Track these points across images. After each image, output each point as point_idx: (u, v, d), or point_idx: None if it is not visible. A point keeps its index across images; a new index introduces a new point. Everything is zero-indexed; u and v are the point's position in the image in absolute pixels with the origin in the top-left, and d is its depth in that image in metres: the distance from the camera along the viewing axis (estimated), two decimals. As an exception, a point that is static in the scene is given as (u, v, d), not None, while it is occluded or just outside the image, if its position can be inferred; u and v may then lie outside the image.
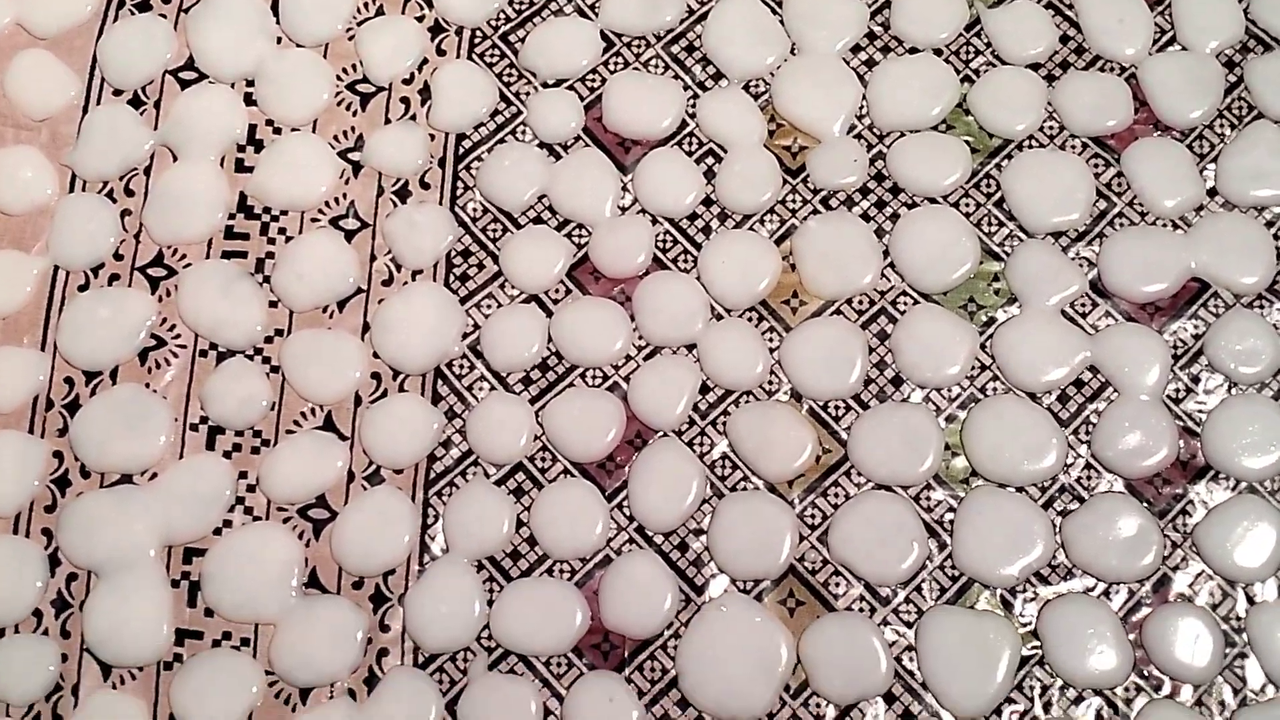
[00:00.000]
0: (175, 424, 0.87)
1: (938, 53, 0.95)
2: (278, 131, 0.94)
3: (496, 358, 0.88)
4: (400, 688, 0.81)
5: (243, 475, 0.86)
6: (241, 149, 0.94)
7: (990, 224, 0.90)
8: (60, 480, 0.86)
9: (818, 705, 0.80)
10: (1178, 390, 0.85)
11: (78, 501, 0.85)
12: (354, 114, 0.94)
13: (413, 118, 0.94)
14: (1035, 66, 0.94)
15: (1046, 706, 0.79)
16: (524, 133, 0.94)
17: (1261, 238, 0.88)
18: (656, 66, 0.95)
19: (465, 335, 0.89)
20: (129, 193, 0.92)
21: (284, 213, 0.92)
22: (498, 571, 0.83)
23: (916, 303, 0.88)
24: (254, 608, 0.83)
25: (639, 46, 0.96)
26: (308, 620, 0.82)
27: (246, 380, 0.87)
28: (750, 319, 0.88)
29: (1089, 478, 0.83)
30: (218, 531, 0.84)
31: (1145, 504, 0.83)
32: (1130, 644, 0.79)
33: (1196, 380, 0.85)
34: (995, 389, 0.86)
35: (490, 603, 0.82)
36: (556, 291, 0.89)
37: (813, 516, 0.84)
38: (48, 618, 0.83)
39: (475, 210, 0.92)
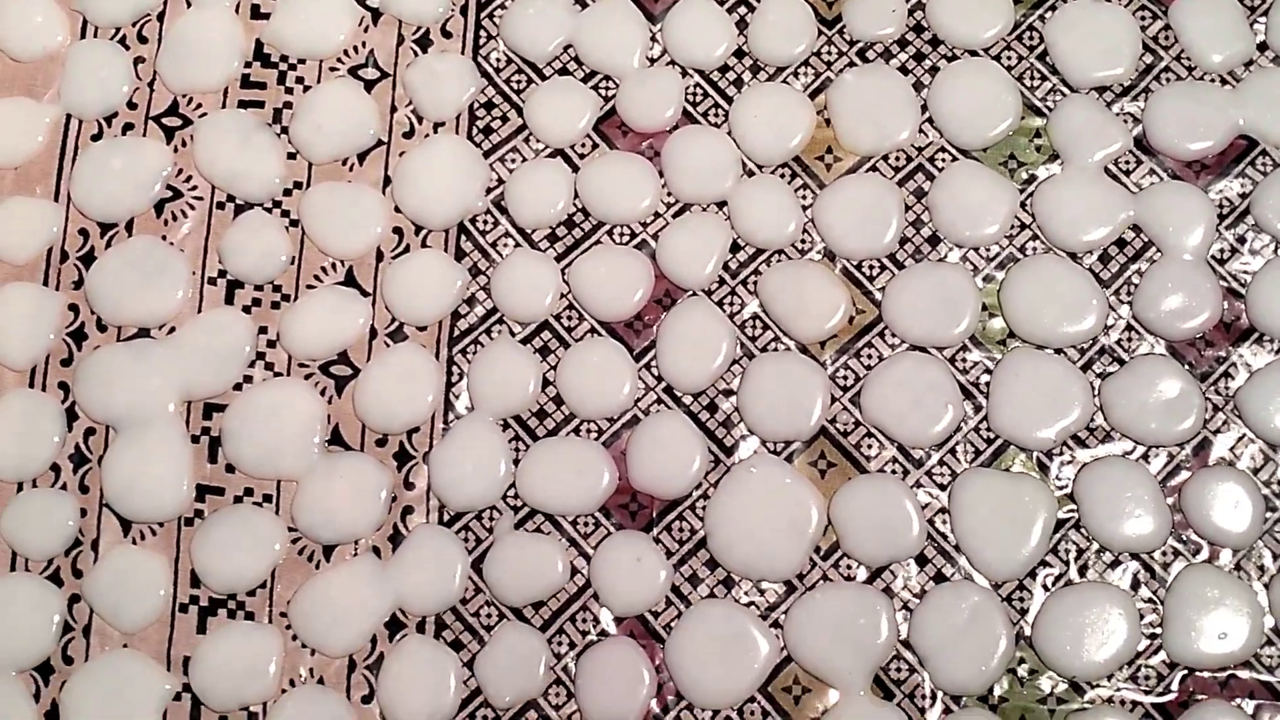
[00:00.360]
0: (193, 277, 0.85)
1: (980, -102, 0.91)
2: (294, -24, 0.92)
3: (521, 213, 0.86)
4: (425, 545, 0.80)
5: (263, 330, 0.84)
6: (257, -6, 0.92)
7: (1032, 78, 0.87)
8: (76, 333, 0.85)
9: (848, 567, 0.79)
10: (1222, 250, 0.83)
11: (95, 355, 0.84)
12: (373, -41, 0.92)
13: (434, -37, 0.91)
14: (1082, -86, 0.90)
15: (1082, 570, 0.78)
16: (549, -21, 0.91)
17: (1313, 94, 0.86)
18: (687, -89, 0.92)
19: (489, 190, 0.87)
20: (142, 39, 0.90)
21: (302, 61, 0.90)
22: (524, 430, 0.82)
23: (955, 159, 0.86)
24: (276, 464, 0.82)
25: (669, -110, 0.92)
26: (330, 477, 0.81)
27: (265, 233, 0.86)
28: (783, 175, 0.86)
29: (1129, 339, 0.82)
30: (238, 387, 0.83)
31: (1187, 366, 0.81)
32: (1169, 508, 0.78)
33: (1242, 240, 0.83)
34: (1035, 248, 0.84)
35: (516, 462, 0.81)
36: (583, 145, 0.87)
37: (845, 378, 0.82)
38: (65, 472, 0.82)
39: (499, 60, 0.89)
